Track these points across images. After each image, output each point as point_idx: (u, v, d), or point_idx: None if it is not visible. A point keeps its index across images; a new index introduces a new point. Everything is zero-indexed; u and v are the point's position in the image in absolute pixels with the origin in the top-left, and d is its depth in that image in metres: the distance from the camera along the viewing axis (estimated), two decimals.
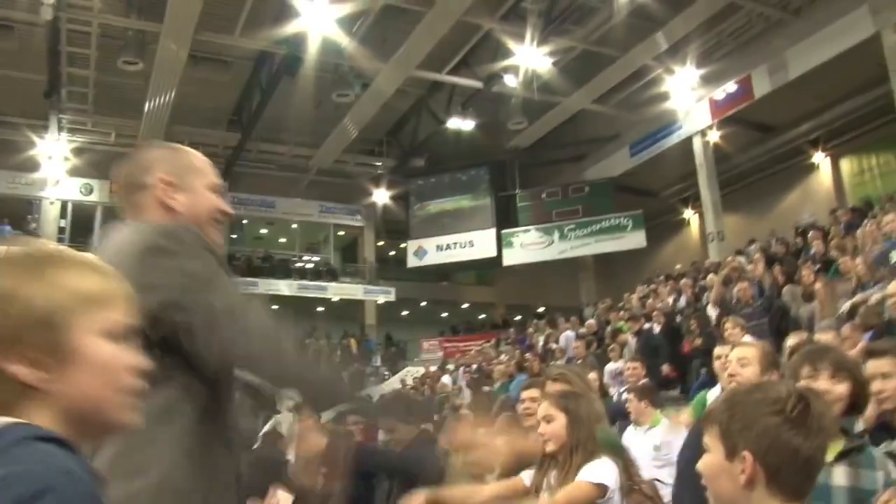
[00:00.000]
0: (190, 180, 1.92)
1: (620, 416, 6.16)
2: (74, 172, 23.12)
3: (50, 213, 23.53)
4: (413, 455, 3.94)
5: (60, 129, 21.75)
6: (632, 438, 5.49)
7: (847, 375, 2.57)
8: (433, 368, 18.77)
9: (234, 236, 26.52)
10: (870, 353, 2.87)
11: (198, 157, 2.00)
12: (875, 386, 2.66)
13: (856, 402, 2.57)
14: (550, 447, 2.84)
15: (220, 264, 1.76)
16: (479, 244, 24.35)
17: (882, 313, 7.22)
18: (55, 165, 22.61)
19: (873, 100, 18.62)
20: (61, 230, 23.51)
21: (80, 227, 23.38)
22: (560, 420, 2.83)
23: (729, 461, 1.56)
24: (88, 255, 1.08)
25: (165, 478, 1.57)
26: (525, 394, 3.38)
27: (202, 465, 1.64)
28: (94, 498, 0.91)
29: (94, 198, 23.69)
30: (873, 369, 2.72)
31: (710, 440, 1.60)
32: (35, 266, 0.99)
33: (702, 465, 1.61)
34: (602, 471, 2.74)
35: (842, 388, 2.53)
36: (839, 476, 2.28)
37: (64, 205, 23.81)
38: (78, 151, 22.56)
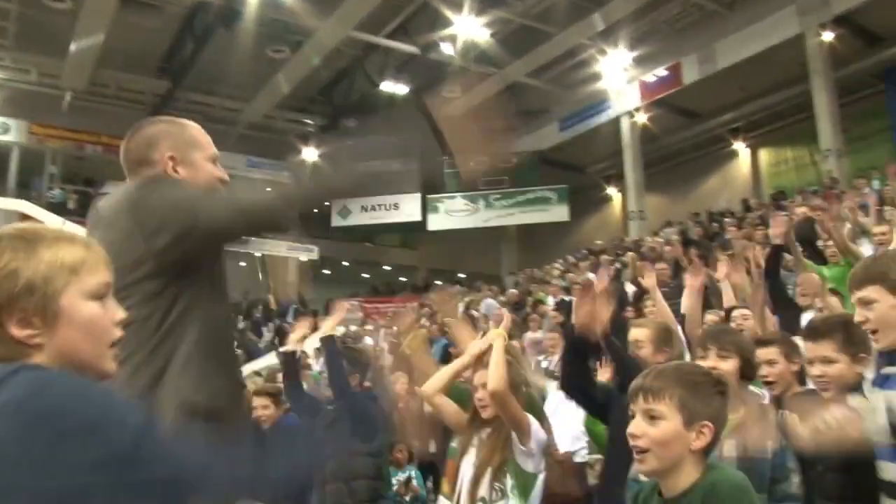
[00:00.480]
0: (191, 154, 2.07)
1: None
2: None
3: None
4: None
5: None
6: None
7: (734, 352, 2.91)
8: (353, 328, 18.86)
9: None
10: (757, 343, 3.21)
11: (197, 131, 2.13)
12: (762, 371, 3.00)
13: (745, 373, 2.93)
14: (486, 414, 3.06)
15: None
16: (404, 207, 24.47)
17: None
18: None
19: (793, 96, 19.39)
20: None
21: None
22: None
23: (685, 429, 1.86)
24: (72, 232, 1.28)
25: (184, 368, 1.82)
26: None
27: (214, 359, 1.89)
28: (89, 388, 1.13)
29: (10, 137, 22.79)
30: (761, 356, 3.06)
31: (666, 409, 1.88)
32: (27, 244, 1.18)
33: (657, 431, 1.88)
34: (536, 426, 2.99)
35: (728, 365, 2.86)
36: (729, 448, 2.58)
37: None
38: None
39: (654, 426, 1.89)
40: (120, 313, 1.26)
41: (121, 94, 23.01)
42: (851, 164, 17.92)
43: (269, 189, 2.06)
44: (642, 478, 2.12)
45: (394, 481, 5.12)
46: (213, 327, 1.90)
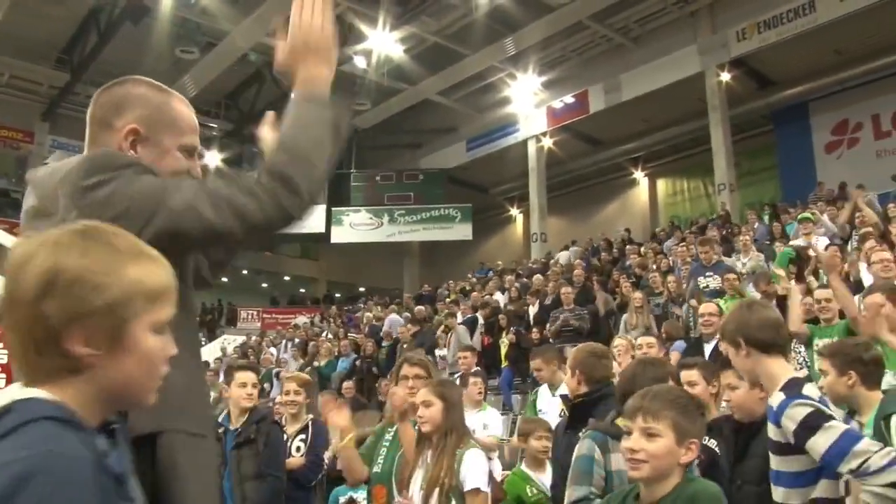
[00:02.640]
0: (161, 135, 1.69)
1: None
2: None
3: None
4: None
5: None
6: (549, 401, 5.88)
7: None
8: (254, 338, 18.61)
9: None
10: (681, 366, 3.54)
11: (180, 111, 1.74)
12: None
13: None
14: (427, 429, 3.13)
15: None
16: (308, 218, 24.23)
17: (688, 328, 8.05)
18: None
19: (691, 130, 20.26)
20: None
21: None
22: (437, 406, 3.12)
23: (677, 446, 2.15)
24: (155, 251, 1.16)
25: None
26: (410, 371, 3.61)
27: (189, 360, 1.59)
28: (92, 480, 0.97)
29: None
30: (685, 378, 3.37)
31: (662, 428, 2.16)
32: (116, 257, 1.09)
33: (654, 447, 2.14)
34: (478, 471, 3.06)
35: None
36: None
37: None
38: None
39: (652, 442, 2.16)
40: (172, 348, 1.17)
41: (14, 82, 22.03)
42: (741, 197, 18.85)
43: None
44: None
45: (341, 500, 5.14)
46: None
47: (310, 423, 4.88)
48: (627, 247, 15.09)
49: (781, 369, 2.54)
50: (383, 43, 18.56)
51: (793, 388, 2.45)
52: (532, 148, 22.03)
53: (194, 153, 1.75)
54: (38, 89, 22.48)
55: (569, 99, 20.70)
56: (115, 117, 1.67)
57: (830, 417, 2.36)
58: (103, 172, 1.52)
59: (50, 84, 22.10)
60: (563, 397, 4.49)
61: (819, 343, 5.11)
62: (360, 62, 19.60)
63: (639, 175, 24.24)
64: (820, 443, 2.30)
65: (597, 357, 3.58)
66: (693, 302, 8.03)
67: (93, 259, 1.06)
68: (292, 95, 1.63)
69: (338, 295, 26.72)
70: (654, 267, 11.38)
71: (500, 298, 13.53)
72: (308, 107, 1.63)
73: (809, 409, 2.36)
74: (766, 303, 2.93)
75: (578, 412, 3.41)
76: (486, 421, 6.17)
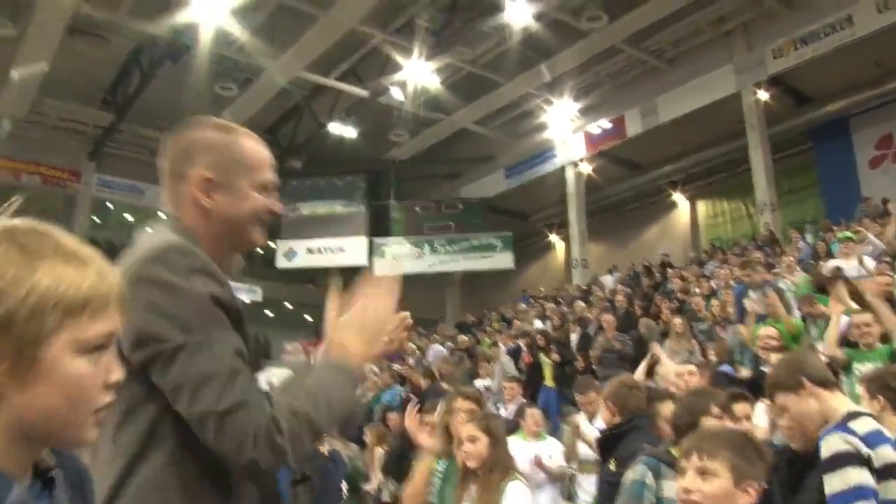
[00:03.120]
0: (235, 179, 1.65)
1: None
2: None
3: None
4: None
5: None
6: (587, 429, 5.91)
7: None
8: None
9: (97, 219, 25.53)
10: (733, 397, 3.56)
11: (250, 149, 1.70)
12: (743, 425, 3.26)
13: None
14: (473, 464, 3.13)
15: (217, 302, 1.50)
16: (350, 251, 24.41)
17: (731, 353, 7.93)
18: None
19: (730, 151, 20.07)
20: None
21: None
22: (483, 440, 3.13)
23: (735, 487, 2.05)
24: (86, 247, 0.96)
25: None
26: (463, 404, 3.62)
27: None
28: None
29: None
30: (739, 412, 3.39)
31: (719, 468, 2.06)
32: (24, 257, 0.89)
33: (710, 487, 2.06)
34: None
35: None
36: None
37: None
38: None
39: (707, 483, 2.06)
40: (115, 374, 0.96)
41: (61, 123, 22.58)
42: (783, 217, 18.59)
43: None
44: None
45: None
46: (194, 454, 1.45)
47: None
48: (669, 271, 14.94)
49: (842, 403, 2.56)
50: (419, 73, 18.71)
51: (845, 420, 2.46)
52: (570, 174, 22.00)
53: (271, 188, 1.71)
54: (84, 129, 23.04)
55: (605, 124, 20.66)
56: (186, 166, 1.65)
57: (859, 462, 2.36)
58: (165, 273, 1.49)
59: (95, 124, 22.62)
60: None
61: (860, 368, 5.02)
62: (396, 93, 19.78)
63: (678, 197, 24.03)
64: (833, 483, 2.33)
65: (628, 388, 3.63)
66: (740, 327, 7.88)
67: (4, 258, 0.88)
68: (328, 355, 1.61)
69: None
70: (697, 291, 11.25)
71: (540, 326, 13.46)
72: (339, 380, 1.55)
73: (844, 447, 2.36)
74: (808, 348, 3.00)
75: (608, 443, 3.47)
76: (549, 451, 6.17)
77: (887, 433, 2.51)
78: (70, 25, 16.86)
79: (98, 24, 17.84)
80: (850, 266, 9.06)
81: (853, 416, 2.50)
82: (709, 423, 2.80)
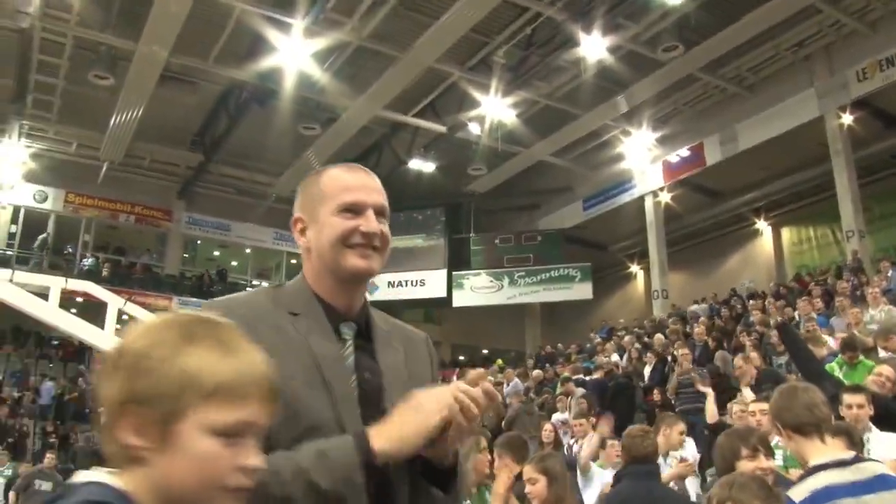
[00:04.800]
0: (317, 211, 1.61)
1: (570, 468, 6.58)
2: (30, 178, 22.82)
3: (1, 218, 23.26)
4: None
5: (21, 134, 21.52)
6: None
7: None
8: None
9: (186, 255, 26.53)
10: None
11: (329, 178, 1.65)
12: None
13: None
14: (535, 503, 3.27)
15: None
16: (430, 283, 24.69)
17: None
18: (11, 170, 22.19)
19: (814, 176, 19.63)
20: (11, 236, 23.29)
21: (30, 234, 23.16)
22: (542, 481, 3.27)
23: None
24: (245, 342, 1.06)
25: None
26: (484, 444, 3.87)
27: None
28: None
29: (47, 206, 23.52)
30: None
31: None
32: (179, 340, 1.01)
33: None
34: None
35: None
36: None
37: (16, 210, 23.48)
38: (36, 157, 22.29)
39: None
40: (252, 460, 1.02)
41: (154, 165, 23.68)
42: (874, 243, 18.05)
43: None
44: None
45: None
46: None
47: None
48: (750, 302, 14.66)
49: (814, 452, 2.59)
50: (496, 108, 18.95)
51: (800, 478, 2.55)
52: (649, 203, 21.84)
53: (359, 209, 1.59)
54: (175, 170, 24.08)
55: (684, 152, 20.49)
56: (293, 215, 1.68)
57: None
58: None
59: (186, 165, 23.64)
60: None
61: None
62: (474, 128, 20.07)
63: (761, 225, 23.56)
64: None
65: (632, 437, 3.84)
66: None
67: (153, 342, 1.00)
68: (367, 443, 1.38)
69: (461, 358, 26.91)
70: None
71: (618, 359, 13.39)
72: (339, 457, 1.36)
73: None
74: (807, 386, 2.92)
75: None
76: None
77: (836, 486, 2.48)
78: (162, 73, 17.69)
79: (188, 70, 18.71)
80: None
81: (809, 472, 2.52)
82: (743, 466, 2.86)
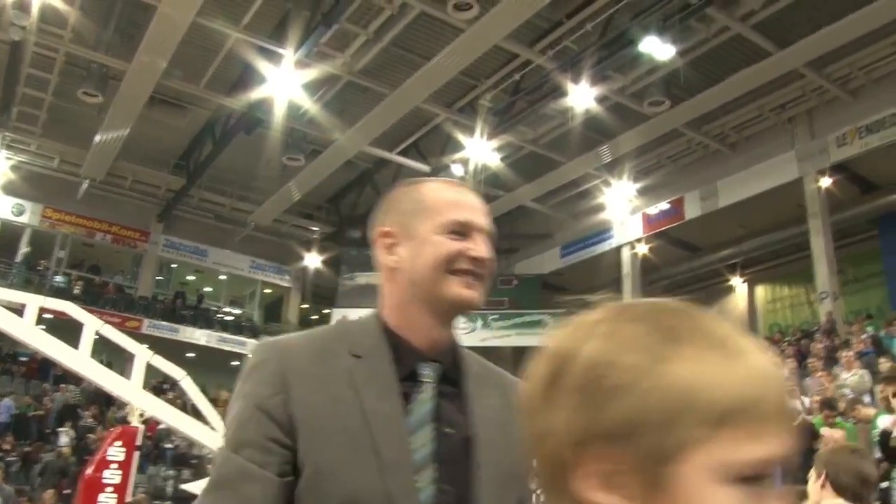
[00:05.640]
0: (414, 225, 1.39)
1: None
2: (9, 191, 22.52)
3: None
4: None
5: (2, 146, 21.27)
6: None
7: None
8: None
9: (160, 278, 26.28)
10: None
11: (431, 190, 1.44)
12: None
13: None
14: None
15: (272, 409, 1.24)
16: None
17: None
18: None
19: (791, 236, 19.87)
20: None
21: (5, 248, 22.85)
22: None
23: None
24: (741, 335, 0.67)
25: None
26: None
27: None
28: None
29: (23, 219, 23.22)
30: None
31: None
32: (662, 344, 0.64)
33: None
34: None
35: None
36: None
37: None
38: (16, 169, 22.01)
39: None
40: None
41: (136, 186, 23.54)
42: (847, 305, 18.26)
43: None
44: None
45: None
46: None
47: None
48: None
49: None
50: (480, 151, 19.09)
51: None
52: (626, 254, 22.00)
53: (468, 231, 1.38)
54: (156, 192, 23.95)
55: (664, 205, 20.71)
56: (375, 227, 1.45)
57: None
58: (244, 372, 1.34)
59: (167, 188, 23.51)
60: None
61: None
62: (457, 170, 20.18)
63: (737, 281, 23.78)
64: None
65: None
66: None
67: (617, 345, 0.65)
68: None
69: None
70: None
71: None
72: None
73: None
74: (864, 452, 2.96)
75: None
76: None
77: None
78: (152, 94, 17.68)
79: (178, 94, 18.72)
80: None
81: None
82: None
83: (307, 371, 1.28)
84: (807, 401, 8.46)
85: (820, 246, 17.56)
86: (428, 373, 1.32)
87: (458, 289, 1.34)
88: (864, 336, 12.80)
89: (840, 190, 18.16)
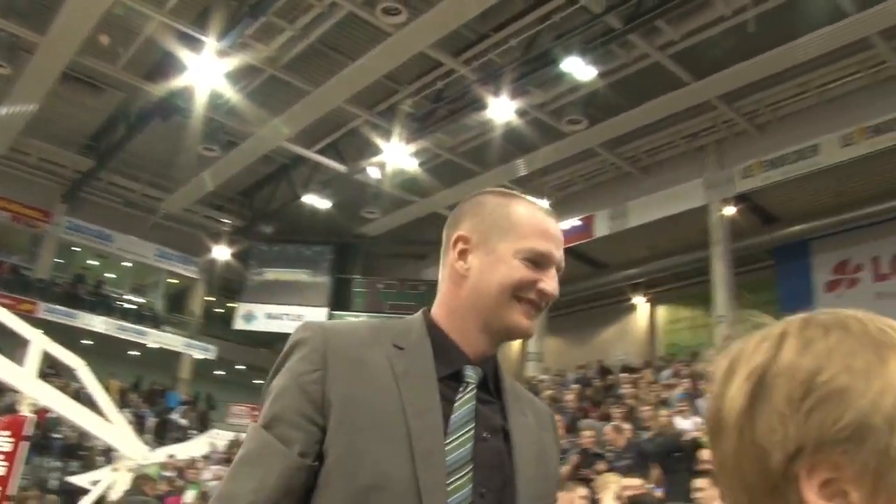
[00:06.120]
0: (494, 239, 1.38)
1: None
2: None
3: None
4: None
5: None
6: None
7: None
8: (242, 435, 18.42)
9: (61, 261, 25.39)
10: None
11: (521, 211, 1.42)
12: None
13: None
14: None
15: (311, 395, 1.25)
16: (309, 320, 24.32)
17: None
18: None
19: (694, 260, 20.57)
20: None
21: None
22: None
23: None
24: None
25: None
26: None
27: None
28: None
29: None
30: None
31: None
32: (873, 350, 0.65)
33: None
34: None
35: None
36: None
37: None
38: None
39: None
40: None
41: (41, 164, 22.64)
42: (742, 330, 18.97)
43: None
44: None
45: None
46: None
47: None
48: (622, 375, 15.18)
49: None
50: (398, 155, 19.13)
51: None
52: None
53: (545, 263, 1.38)
54: (62, 172, 23.07)
55: (575, 221, 21.11)
56: (452, 231, 1.44)
57: None
58: (285, 352, 1.35)
59: (74, 168, 22.69)
60: None
61: None
62: (373, 172, 20.18)
63: (639, 301, 24.48)
64: None
65: None
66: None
67: (824, 350, 0.66)
68: None
69: None
70: (646, 398, 11.47)
71: None
72: None
73: None
74: None
75: None
76: None
77: None
78: (65, 71, 17.10)
79: (93, 73, 18.15)
80: None
81: None
82: None
83: (349, 354, 1.29)
84: (699, 420, 8.77)
85: (720, 271, 18.23)
86: (471, 374, 1.33)
87: (518, 317, 1.35)
88: None
89: (742, 219, 18.95)
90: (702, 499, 4.38)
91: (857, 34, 14.28)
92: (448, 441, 1.24)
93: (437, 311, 1.42)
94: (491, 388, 1.37)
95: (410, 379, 1.27)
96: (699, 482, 4.96)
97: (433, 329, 1.38)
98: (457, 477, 1.21)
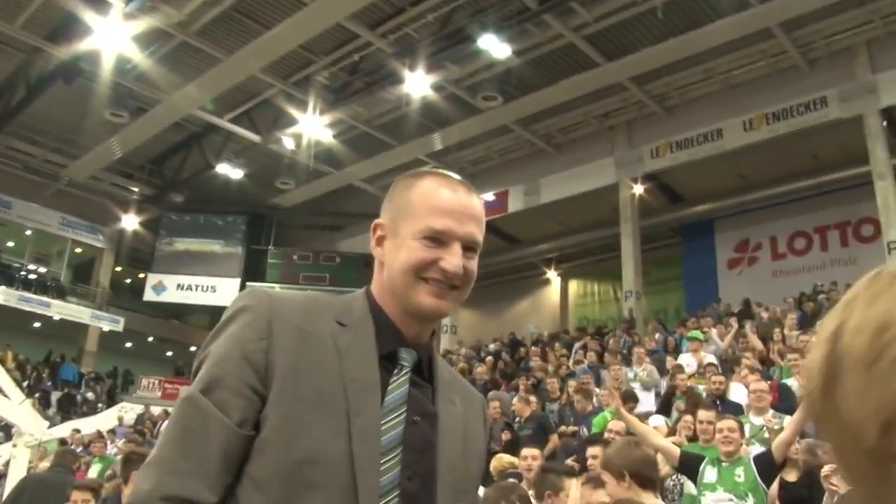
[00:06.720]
0: (399, 224, 1.37)
1: None
2: None
3: None
4: None
5: None
6: None
7: None
8: (155, 409, 18.13)
9: None
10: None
11: (421, 191, 1.37)
12: None
13: None
14: None
15: (248, 359, 1.22)
16: (221, 291, 24.03)
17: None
18: None
19: (604, 237, 21.09)
20: None
21: None
22: None
23: None
24: None
25: None
26: None
27: None
28: None
29: None
30: None
31: None
32: None
33: None
34: None
35: None
36: None
37: None
38: None
39: None
40: None
41: None
42: (648, 304, 19.60)
43: None
44: None
45: None
46: None
47: None
48: (532, 348, 15.48)
49: None
50: (313, 126, 18.94)
51: None
52: None
53: (445, 240, 1.33)
54: None
55: (489, 197, 21.30)
56: (377, 218, 1.43)
57: None
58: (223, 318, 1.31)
59: None
60: None
61: None
62: (288, 142, 19.93)
63: (552, 275, 24.96)
64: None
65: None
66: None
67: (891, 302, 0.60)
68: None
69: None
70: (552, 370, 11.75)
71: None
72: None
73: None
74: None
75: None
76: None
77: None
78: None
79: None
80: (695, 363, 9.77)
81: None
82: None
83: (294, 324, 1.26)
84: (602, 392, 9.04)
85: (628, 248, 18.73)
86: (406, 356, 1.33)
87: (423, 296, 1.32)
88: (657, 336, 13.82)
89: (650, 198, 19.47)
90: (593, 466, 4.63)
91: (760, 24, 14.86)
92: (383, 422, 1.23)
93: (375, 292, 1.40)
94: (424, 372, 1.36)
95: (353, 355, 1.27)
96: (591, 450, 5.17)
97: (375, 308, 1.36)
98: (389, 458, 1.21)
